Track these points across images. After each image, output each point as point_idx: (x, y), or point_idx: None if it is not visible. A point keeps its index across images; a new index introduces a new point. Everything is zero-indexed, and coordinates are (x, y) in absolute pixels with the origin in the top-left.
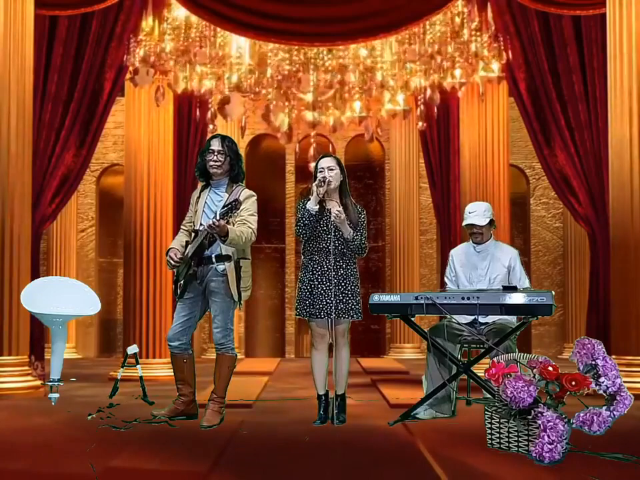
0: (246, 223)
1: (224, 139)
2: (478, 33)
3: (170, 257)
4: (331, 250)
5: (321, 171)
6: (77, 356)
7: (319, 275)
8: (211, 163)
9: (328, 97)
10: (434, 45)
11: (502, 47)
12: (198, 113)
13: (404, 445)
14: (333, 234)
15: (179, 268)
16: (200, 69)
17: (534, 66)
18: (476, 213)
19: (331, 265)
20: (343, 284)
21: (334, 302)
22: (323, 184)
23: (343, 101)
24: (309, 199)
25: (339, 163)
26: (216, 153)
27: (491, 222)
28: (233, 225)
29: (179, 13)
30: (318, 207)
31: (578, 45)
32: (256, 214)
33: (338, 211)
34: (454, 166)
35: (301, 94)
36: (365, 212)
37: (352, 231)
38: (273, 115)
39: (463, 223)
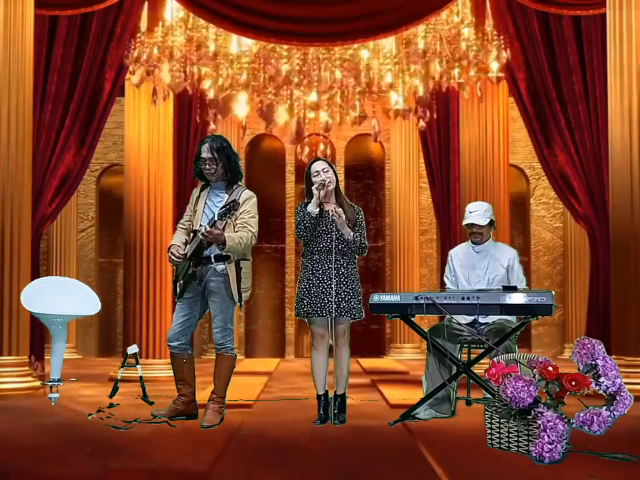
0: (247, 226)
1: (213, 142)
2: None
3: (172, 252)
4: (332, 249)
5: (316, 175)
6: (77, 356)
7: (319, 274)
8: (205, 171)
9: (329, 97)
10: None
11: (502, 47)
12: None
13: (404, 444)
14: (333, 233)
15: (178, 266)
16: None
17: (534, 66)
18: (477, 212)
19: (331, 264)
20: (343, 283)
21: (335, 300)
22: (322, 187)
23: (344, 101)
24: (306, 203)
25: (330, 165)
26: (207, 161)
27: (491, 222)
28: (234, 227)
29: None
30: (318, 209)
31: (578, 45)
32: (256, 216)
33: (338, 211)
34: (454, 166)
35: (302, 93)
36: (362, 212)
37: (352, 232)
38: (275, 115)
39: (464, 222)
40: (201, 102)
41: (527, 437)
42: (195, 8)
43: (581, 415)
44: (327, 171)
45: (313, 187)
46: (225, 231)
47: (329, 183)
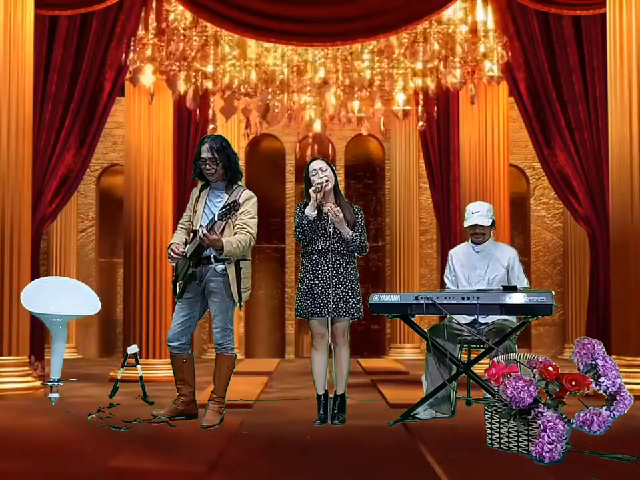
0: (246, 227)
1: (213, 142)
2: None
3: (171, 249)
4: (330, 251)
5: (313, 174)
6: (77, 356)
7: (319, 274)
8: (205, 171)
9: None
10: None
11: (502, 47)
12: (198, 112)
13: (404, 444)
14: (331, 236)
15: (178, 267)
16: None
17: (534, 66)
18: (479, 213)
19: (330, 265)
20: (342, 283)
21: (333, 300)
22: (320, 189)
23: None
24: (306, 203)
25: (328, 164)
26: (207, 162)
27: (493, 222)
28: (233, 227)
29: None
30: (316, 212)
31: (578, 45)
32: (256, 216)
33: (337, 210)
34: (454, 166)
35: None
36: (362, 211)
37: (350, 231)
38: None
39: (466, 224)
40: (201, 102)
41: (527, 437)
42: (195, 8)
43: (581, 415)
44: (325, 169)
45: (310, 190)
46: (225, 231)
47: (326, 183)
